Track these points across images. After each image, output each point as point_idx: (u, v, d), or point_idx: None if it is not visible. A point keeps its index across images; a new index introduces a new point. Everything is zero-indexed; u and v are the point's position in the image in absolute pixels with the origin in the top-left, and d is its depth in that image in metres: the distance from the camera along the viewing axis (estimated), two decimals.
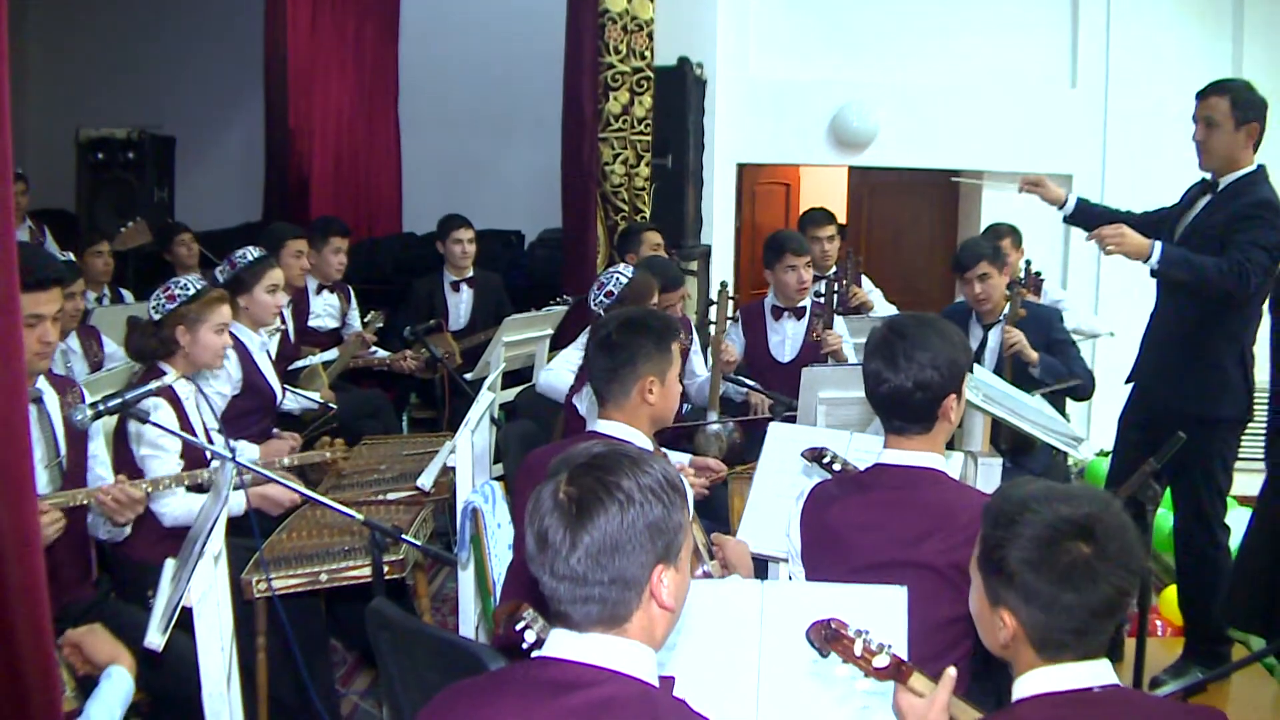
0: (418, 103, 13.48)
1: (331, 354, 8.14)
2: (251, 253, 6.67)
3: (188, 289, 5.48)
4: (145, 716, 4.40)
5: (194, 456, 5.09)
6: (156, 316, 5.41)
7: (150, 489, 4.59)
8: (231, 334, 5.80)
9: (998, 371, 6.65)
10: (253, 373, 6.49)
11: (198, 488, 5.08)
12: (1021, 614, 2.69)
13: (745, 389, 7.35)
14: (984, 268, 7.12)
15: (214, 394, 6.05)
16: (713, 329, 7.62)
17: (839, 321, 7.53)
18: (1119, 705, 2.66)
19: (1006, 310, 7.05)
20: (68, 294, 5.44)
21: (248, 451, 5.98)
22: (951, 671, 2.96)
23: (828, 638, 3.01)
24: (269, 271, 6.68)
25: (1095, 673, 2.67)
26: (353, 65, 12.99)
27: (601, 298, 6.26)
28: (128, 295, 9.25)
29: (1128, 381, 6.37)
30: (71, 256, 8.43)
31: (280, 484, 4.85)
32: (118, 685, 3.17)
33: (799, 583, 3.76)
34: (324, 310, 8.82)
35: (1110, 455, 6.59)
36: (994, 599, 2.75)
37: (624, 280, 6.27)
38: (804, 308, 7.59)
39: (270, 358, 6.82)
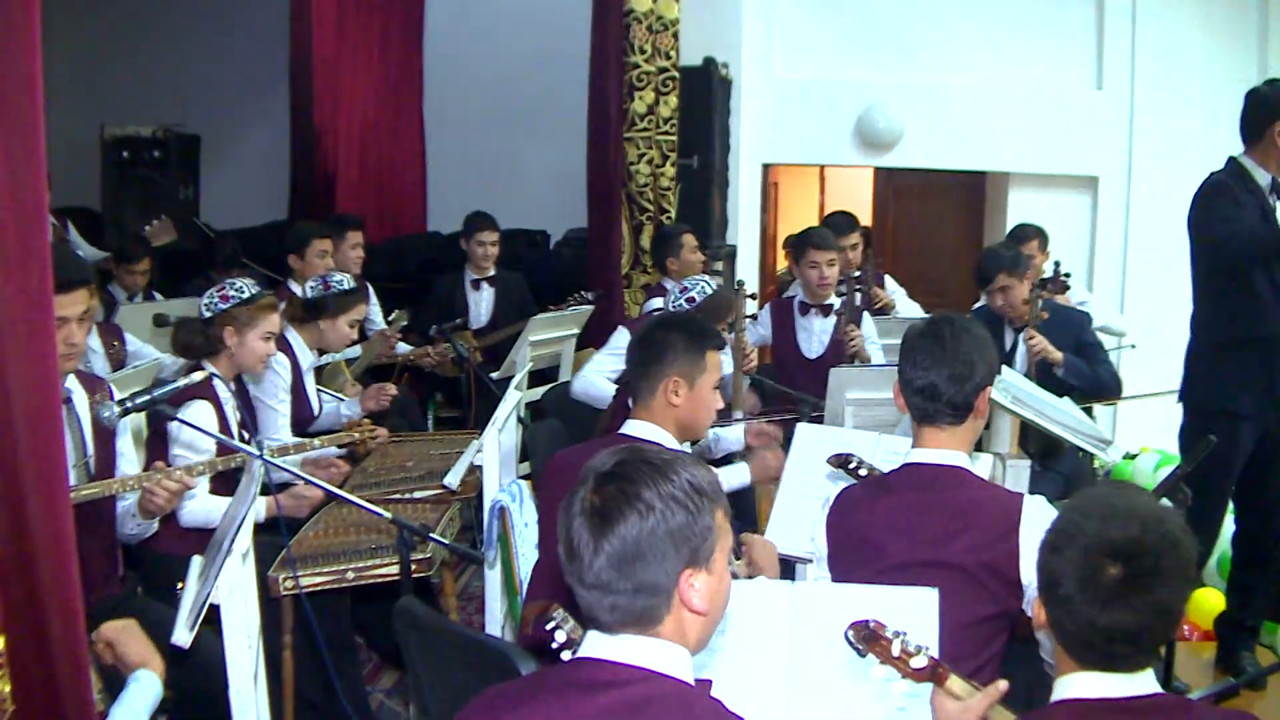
0: (442, 101, 13.47)
1: (353, 351, 8.13)
2: (346, 281, 6.73)
3: (242, 291, 5.54)
4: (171, 713, 4.40)
5: (224, 455, 5.10)
6: (208, 314, 5.45)
7: (184, 476, 4.58)
8: (290, 348, 5.84)
9: (1028, 375, 6.63)
10: (298, 388, 6.55)
11: (228, 478, 5.09)
12: (1061, 627, 2.69)
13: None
14: (1003, 280, 7.09)
15: (269, 408, 6.19)
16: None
17: (867, 320, 7.53)
18: (1158, 713, 2.65)
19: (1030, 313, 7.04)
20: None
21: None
22: (1002, 684, 2.96)
23: (866, 637, 3.00)
24: (358, 305, 6.81)
25: (1136, 683, 2.66)
26: (378, 63, 12.99)
27: (682, 301, 6.27)
28: (156, 294, 9.24)
29: None
30: (83, 253, 8.44)
31: (310, 483, 4.84)
32: (145, 690, 3.15)
33: (831, 584, 3.75)
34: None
35: None
36: (1044, 608, 2.75)
37: (708, 290, 6.29)
38: (831, 305, 7.59)
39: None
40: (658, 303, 7.67)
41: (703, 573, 2.47)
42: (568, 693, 2.42)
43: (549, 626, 2.87)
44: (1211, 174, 5.93)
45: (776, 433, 5.98)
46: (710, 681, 2.91)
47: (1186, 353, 6.11)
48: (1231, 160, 5.88)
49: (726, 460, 6.12)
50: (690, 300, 6.28)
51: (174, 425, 5.04)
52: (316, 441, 5.43)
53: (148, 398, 4.41)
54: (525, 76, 12.75)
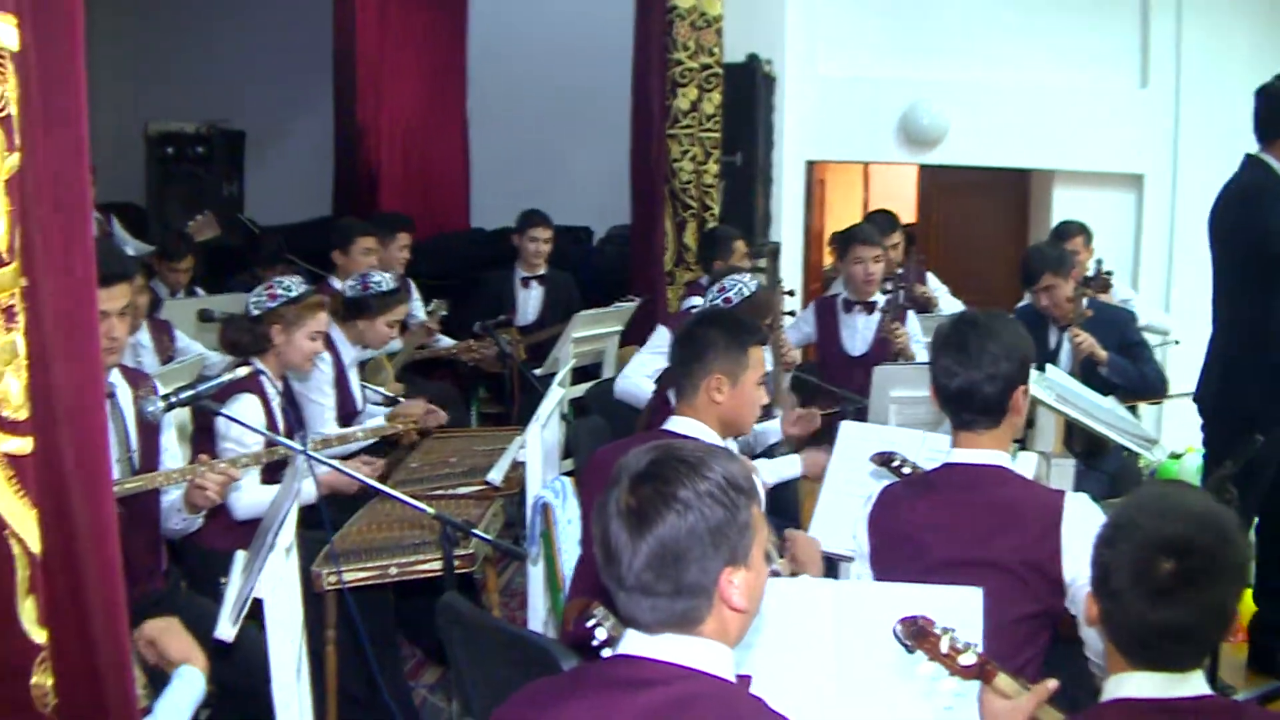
0: (486, 98, 13.47)
1: (395, 344, 8.15)
2: (387, 282, 6.75)
3: (290, 290, 5.58)
4: (214, 708, 4.42)
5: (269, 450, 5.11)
6: (256, 312, 5.48)
7: (228, 469, 4.59)
8: (332, 342, 5.87)
9: (1072, 373, 6.59)
10: (342, 382, 6.58)
11: (273, 470, 5.11)
12: (1113, 623, 2.67)
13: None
14: (1048, 280, 7.03)
15: (314, 402, 6.24)
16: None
17: (912, 318, 7.51)
18: (1209, 715, 2.63)
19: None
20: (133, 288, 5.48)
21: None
22: (1051, 683, 2.94)
23: (915, 634, 2.98)
24: (398, 307, 6.83)
25: (1185, 683, 2.64)
26: (421, 59, 12.99)
27: (719, 301, 6.25)
28: (199, 290, 9.28)
29: None
30: (131, 248, 8.47)
31: (353, 477, 4.85)
32: (189, 686, 3.16)
33: (875, 582, 3.73)
34: None
35: None
36: (1096, 603, 2.74)
37: (746, 291, 6.26)
38: (875, 302, 7.58)
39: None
40: (696, 301, 7.65)
41: (742, 569, 2.44)
42: (609, 690, 2.40)
43: (589, 624, 2.86)
44: (1238, 175, 5.89)
45: (815, 417, 5.97)
46: (749, 678, 2.89)
47: (1218, 358, 6.06)
48: (1252, 158, 5.84)
49: (768, 454, 6.12)
50: (727, 300, 6.25)
51: (221, 421, 5.05)
52: (359, 432, 5.45)
53: (192, 393, 4.43)
54: (568, 73, 12.74)
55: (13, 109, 1.81)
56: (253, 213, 12.62)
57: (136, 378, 4.80)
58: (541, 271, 9.38)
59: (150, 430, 4.68)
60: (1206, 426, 6.14)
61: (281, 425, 5.45)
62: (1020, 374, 3.72)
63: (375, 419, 6.58)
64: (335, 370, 6.47)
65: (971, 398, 3.71)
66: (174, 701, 3.10)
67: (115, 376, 4.60)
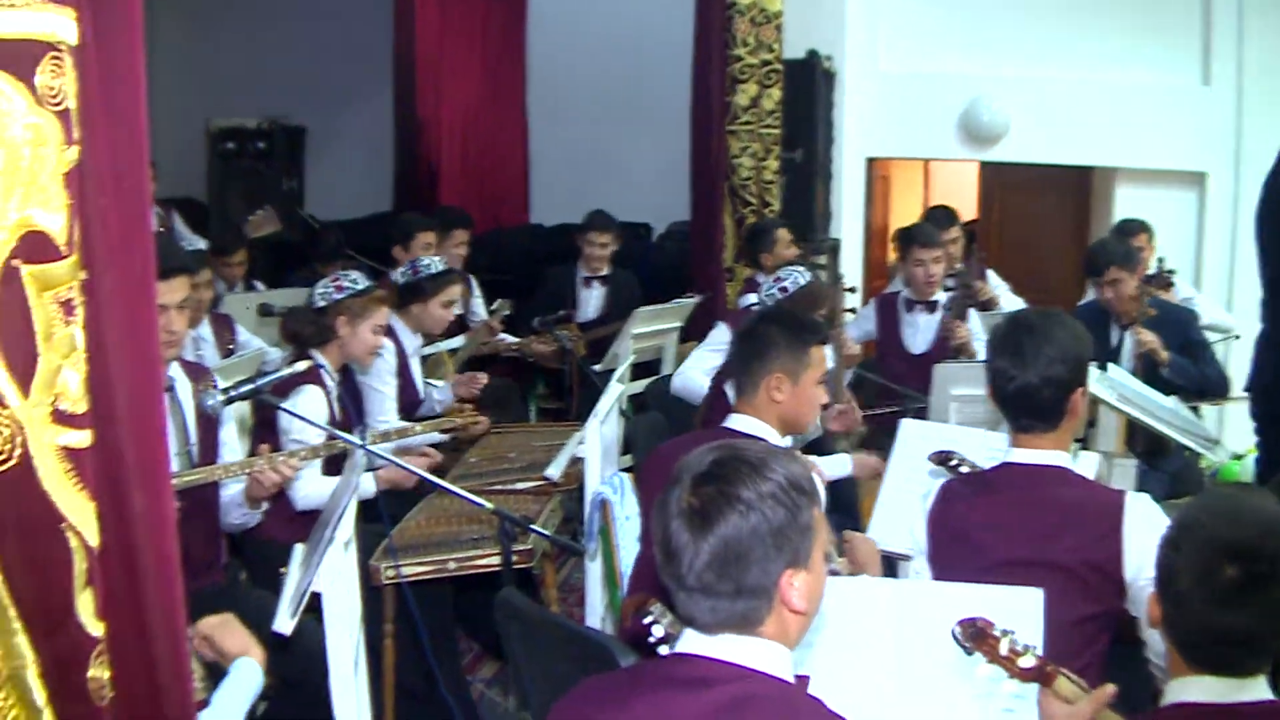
0: (545, 93, 13.52)
1: (457, 341, 8.16)
2: (436, 264, 6.85)
3: (356, 283, 5.67)
4: (272, 700, 4.44)
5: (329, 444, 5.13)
6: (321, 304, 5.53)
7: (288, 461, 4.61)
8: (394, 332, 5.90)
9: (1133, 372, 6.54)
10: (405, 373, 6.63)
11: (335, 462, 5.13)
12: (1176, 626, 2.65)
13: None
14: (1114, 273, 6.95)
15: (375, 390, 6.28)
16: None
17: (974, 316, 7.47)
18: None
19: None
20: (194, 284, 5.51)
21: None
22: (1110, 688, 2.91)
23: (974, 635, 2.95)
24: (450, 287, 6.89)
25: (1248, 689, 2.62)
26: (481, 55, 13.04)
27: (775, 291, 6.24)
28: (258, 284, 9.32)
29: None
30: (202, 244, 8.52)
31: (412, 473, 4.85)
32: (247, 678, 3.17)
33: (934, 582, 3.71)
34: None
35: None
36: (1159, 605, 2.72)
37: (801, 281, 6.25)
38: (936, 301, 7.54)
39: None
40: (752, 298, 7.62)
41: (803, 571, 2.42)
42: (667, 689, 2.39)
43: (646, 620, 2.86)
44: (1276, 167, 5.86)
45: (856, 413, 5.96)
46: (808, 678, 2.88)
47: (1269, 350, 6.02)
48: None
49: (813, 448, 6.10)
50: (783, 290, 6.24)
51: (283, 415, 5.08)
52: (419, 426, 5.47)
53: (251, 386, 4.45)
54: (627, 69, 12.76)
55: (71, 103, 1.81)
56: (313, 208, 12.69)
57: (196, 371, 4.82)
58: (604, 272, 9.38)
59: (209, 424, 4.71)
60: (1258, 422, 6.09)
61: (339, 417, 5.47)
62: (1077, 377, 3.67)
63: (428, 403, 6.65)
64: (398, 360, 6.52)
65: (1028, 402, 3.67)
66: (232, 693, 3.11)
67: (175, 370, 4.63)
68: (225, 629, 3.32)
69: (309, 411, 5.01)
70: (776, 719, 2.33)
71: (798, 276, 6.29)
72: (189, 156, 12.79)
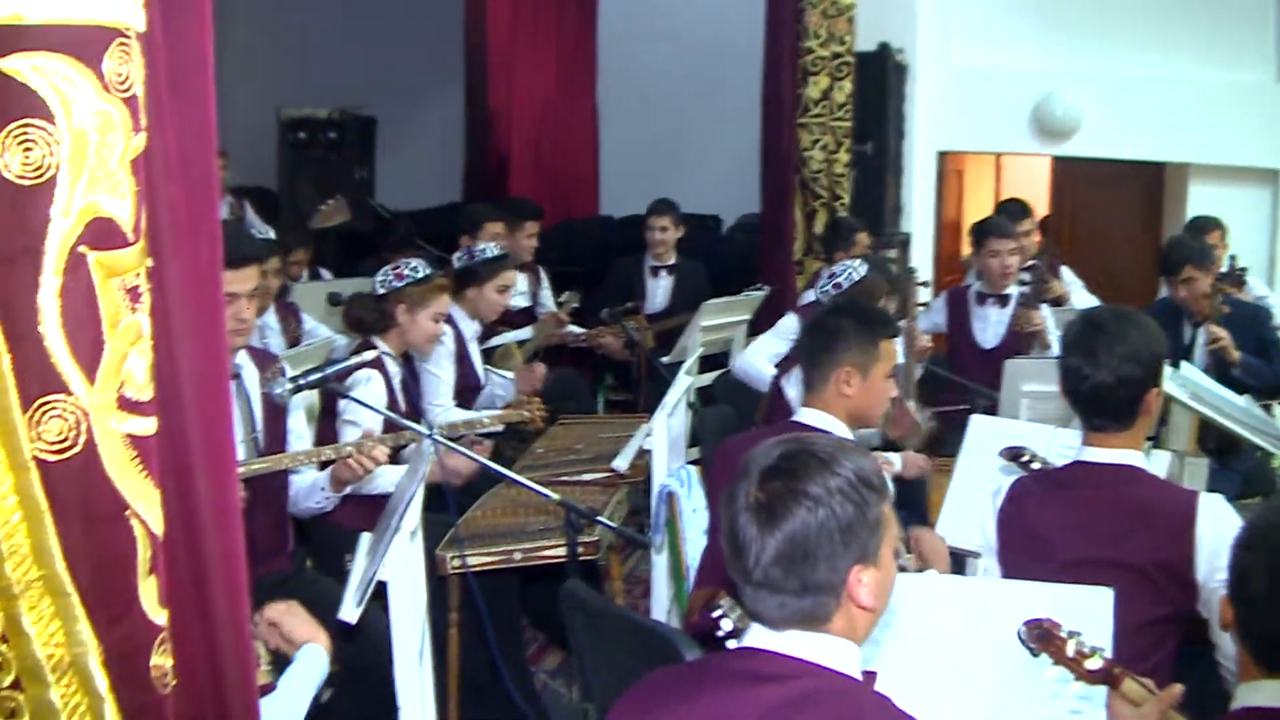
0: (616, 84, 13.52)
1: (525, 333, 8.18)
2: (491, 249, 6.91)
3: (417, 271, 5.69)
4: (337, 688, 4.45)
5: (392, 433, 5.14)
6: (382, 291, 5.56)
7: (378, 448, 4.62)
8: (451, 319, 5.92)
9: (1206, 370, 6.48)
10: (464, 359, 6.65)
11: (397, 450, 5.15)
12: (1248, 630, 2.62)
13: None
14: (1189, 271, 6.91)
15: (432, 374, 6.29)
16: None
17: (1045, 311, 7.42)
18: None
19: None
20: (263, 271, 5.54)
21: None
22: (1177, 688, 2.87)
23: (1040, 637, 2.92)
24: (504, 273, 6.94)
25: None
26: (551, 47, 13.07)
27: (830, 288, 6.22)
28: (325, 273, 9.36)
29: None
30: (272, 233, 8.56)
31: (478, 461, 4.85)
32: (312, 665, 3.19)
33: (1002, 581, 3.68)
34: (514, 290, 8.87)
35: None
36: (1230, 607, 2.69)
37: (856, 276, 6.23)
38: (1008, 295, 7.49)
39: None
40: (811, 294, 7.59)
41: (871, 568, 2.38)
42: (732, 684, 2.37)
43: (715, 614, 2.85)
44: None
45: (917, 420, 5.94)
46: (875, 674, 2.86)
47: None
48: None
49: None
50: (837, 286, 6.22)
51: (342, 401, 5.10)
52: (485, 419, 5.47)
53: (319, 375, 4.46)
54: (698, 61, 12.75)
55: (139, 89, 1.81)
56: (383, 198, 12.73)
57: (264, 359, 4.84)
58: (671, 261, 9.37)
59: (276, 412, 4.72)
60: None
61: (404, 405, 5.50)
62: (1151, 376, 3.62)
63: (488, 396, 6.66)
64: (456, 345, 6.55)
65: (1101, 402, 3.63)
66: (297, 679, 3.13)
67: (242, 358, 4.65)
68: (291, 615, 3.34)
69: (369, 399, 5.02)
70: (842, 716, 2.31)
71: (852, 272, 6.28)
72: (260, 146, 12.84)
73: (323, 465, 4.78)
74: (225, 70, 13.26)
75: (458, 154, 13.02)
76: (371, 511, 4.49)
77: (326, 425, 5.35)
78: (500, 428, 5.74)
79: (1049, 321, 7.32)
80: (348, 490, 4.79)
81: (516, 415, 5.61)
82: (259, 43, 13.71)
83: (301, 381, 4.41)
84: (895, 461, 5.51)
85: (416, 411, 5.47)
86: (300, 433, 4.95)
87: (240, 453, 4.47)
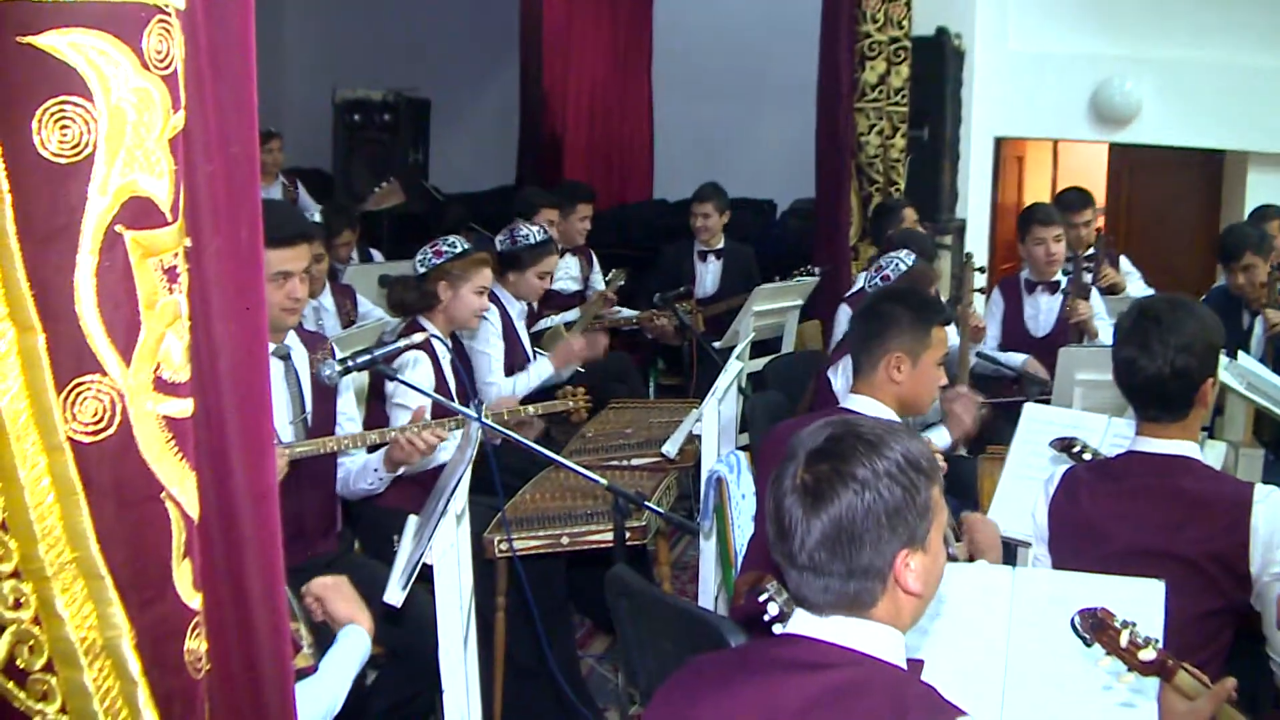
0: (671, 68, 13.50)
1: (574, 314, 8.19)
2: (535, 234, 6.92)
3: (455, 246, 5.68)
4: (382, 670, 4.46)
5: (440, 416, 5.13)
6: (422, 270, 5.56)
7: (436, 431, 4.62)
8: (496, 298, 5.91)
9: (1263, 360, 6.43)
10: (510, 335, 6.66)
11: None
12: None
13: (997, 366, 7.25)
14: (1248, 258, 6.88)
15: (481, 353, 6.38)
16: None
17: (1095, 296, 7.37)
18: None
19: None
20: (315, 253, 5.55)
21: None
22: (1230, 682, 2.83)
23: (1094, 626, 2.88)
24: (547, 258, 6.96)
25: None
26: (607, 29, 13.06)
27: (878, 280, 6.18)
28: (377, 255, 9.39)
29: None
30: (318, 215, 8.60)
31: (526, 445, 4.84)
32: (355, 646, 3.19)
33: (1053, 571, 3.65)
34: (565, 274, 8.89)
35: None
36: None
37: (903, 267, 6.19)
38: (1058, 282, 7.44)
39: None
40: (860, 284, 7.55)
41: (919, 553, 2.36)
42: (775, 672, 2.35)
43: (761, 598, 2.82)
44: None
45: (973, 397, 5.88)
46: (922, 663, 2.82)
47: None
48: None
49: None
50: (885, 278, 6.17)
51: (389, 383, 5.10)
52: (531, 409, 5.47)
53: (368, 357, 4.45)
54: (754, 44, 12.72)
55: (179, 67, 1.79)
56: (437, 180, 12.77)
57: (314, 341, 4.84)
58: (719, 246, 9.35)
59: (326, 393, 4.72)
60: None
61: (453, 387, 5.49)
62: (1206, 367, 3.58)
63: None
64: (502, 322, 6.58)
65: (1155, 392, 3.59)
66: (339, 660, 3.13)
67: (292, 339, 4.65)
68: (337, 591, 3.35)
69: (417, 382, 5.01)
70: (885, 706, 2.27)
71: (899, 262, 6.23)
72: (315, 128, 12.90)
73: (371, 449, 4.79)
74: (281, 51, 13.35)
75: (512, 137, 13.03)
76: (419, 494, 4.49)
77: (376, 407, 5.35)
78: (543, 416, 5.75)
79: (1100, 308, 7.28)
80: (401, 471, 4.78)
81: (562, 405, 5.60)
82: (314, 25, 13.76)
83: (350, 363, 4.40)
84: (934, 439, 5.46)
85: (468, 392, 5.44)
86: (351, 414, 4.96)
87: (288, 434, 4.48)
